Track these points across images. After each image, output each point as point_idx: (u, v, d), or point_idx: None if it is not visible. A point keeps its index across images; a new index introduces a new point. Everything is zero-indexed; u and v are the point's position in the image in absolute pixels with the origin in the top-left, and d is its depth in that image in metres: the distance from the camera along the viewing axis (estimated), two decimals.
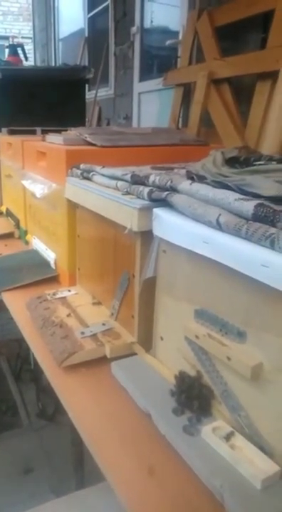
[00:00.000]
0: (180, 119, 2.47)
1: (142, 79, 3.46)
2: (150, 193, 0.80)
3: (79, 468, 2.04)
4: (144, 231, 0.84)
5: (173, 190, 0.76)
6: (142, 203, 0.82)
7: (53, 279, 1.39)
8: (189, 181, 0.73)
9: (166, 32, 3.41)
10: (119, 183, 0.91)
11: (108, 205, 0.93)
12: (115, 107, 3.96)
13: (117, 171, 0.95)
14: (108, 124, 4.00)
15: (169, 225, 0.74)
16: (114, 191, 0.92)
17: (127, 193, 0.88)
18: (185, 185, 0.73)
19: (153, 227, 0.79)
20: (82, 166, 1.11)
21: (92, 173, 1.05)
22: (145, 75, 3.46)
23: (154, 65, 3.54)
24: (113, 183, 0.94)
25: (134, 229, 0.83)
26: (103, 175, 1.00)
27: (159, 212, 0.77)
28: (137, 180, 0.86)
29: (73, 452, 2.71)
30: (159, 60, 3.51)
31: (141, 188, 0.83)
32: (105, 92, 4.06)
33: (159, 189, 0.79)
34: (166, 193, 0.76)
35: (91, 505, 0.82)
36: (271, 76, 1.79)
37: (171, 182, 0.76)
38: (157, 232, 0.78)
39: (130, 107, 3.60)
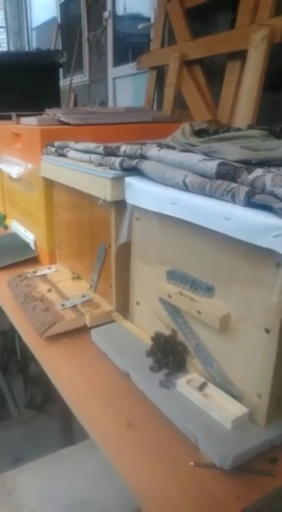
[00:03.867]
0: (155, 102, 2.49)
1: (116, 64, 3.45)
2: (121, 162, 0.83)
3: None
4: (117, 201, 0.87)
5: (143, 157, 0.79)
6: (115, 172, 0.84)
7: (34, 260, 1.41)
8: (158, 148, 0.76)
9: (139, 18, 3.42)
10: (93, 156, 0.94)
11: (82, 179, 0.96)
12: (90, 93, 3.95)
13: (90, 145, 0.97)
14: None
15: (140, 191, 0.77)
16: (88, 164, 0.95)
17: (100, 164, 0.90)
18: (154, 151, 0.76)
19: (126, 195, 0.82)
20: (56, 143, 1.13)
21: (66, 149, 1.07)
22: (120, 60, 3.46)
23: (129, 50, 3.55)
24: (87, 156, 0.96)
25: (107, 199, 0.86)
26: (77, 150, 1.02)
27: (130, 180, 0.80)
28: (109, 152, 0.89)
29: (64, 439, 2.74)
30: (132, 46, 3.51)
31: (113, 159, 0.86)
32: (80, 79, 4.04)
33: (130, 158, 0.82)
34: (136, 160, 0.79)
35: (77, 461, 0.86)
36: (240, 56, 1.82)
37: (141, 150, 0.79)
38: (130, 200, 0.81)
39: (105, 92, 3.60)
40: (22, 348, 3.99)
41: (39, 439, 3.24)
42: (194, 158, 0.66)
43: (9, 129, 1.54)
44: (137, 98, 2.99)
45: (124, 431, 0.70)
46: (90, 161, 0.95)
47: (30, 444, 3.21)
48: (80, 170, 0.96)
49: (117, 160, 0.85)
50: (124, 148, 0.85)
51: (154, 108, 2.49)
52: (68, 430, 2.72)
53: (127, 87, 3.28)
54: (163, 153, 0.73)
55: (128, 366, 0.79)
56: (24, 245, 1.50)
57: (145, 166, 0.76)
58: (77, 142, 1.05)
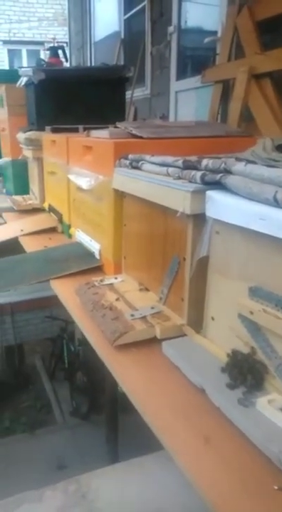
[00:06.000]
0: (219, 115, 2.48)
1: (179, 78, 3.48)
2: (203, 176, 0.83)
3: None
4: (195, 214, 0.87)
5: (227, 172, 0.78)
6: (195, 186, 0.85)
7: (97, 269, 1.44)
8: (243, 162, 0.75)
9: (201, 32, 3.44)
10: (170, 169, 0.95)
11: (159, 191, 0.96)
12: (151, 106, 3.99)
13: (168, 158, 0.98)
14: None
15: (223, 205, 0.77)
16: (165, 177, 0.96)
17: (179, 178, 0.91)
18: (239, 166, 0.75)
19: (206, 209, 0.81)
20: (130, 156, 1.15)
21: (141, 162, 1.08)
22: (182, 74, 3.49)
23: (189, 64, 3.57)
24: (164, 169, 0.97)
25: (186, 212, 0.86)
26: (153, 163, 1.03)
27: (212, 194, 0.80)
28: (189, 165, 0.89)
29: (109, 450, 2.75)
30: (194, 60, 3.53)
31: (193, 172, 0.86)
32: (141, 92, 4.11)
33: (212, 172, 0.82)
34: (220, 175, 0.78)
35: (151, 471, 0.86)
36: None
37: (225, 164, 0.79)
38: (211, 213, 0.80)
39: (166, 106, 3.63)
40: (70, 356, 4.06)
41: (83, 448, 3.25)
42: None
43: (80, 141, 1.58)
44: (200, 111, 2.99)
45: (201, 446, 0.69)
46: (168, 174, 0.96)
47: (74, 452, 3.23)
48: (157, 182, 0.97)
49: (197, 174, 0.85)
50: (206, 162, 0.85)
51: (219, 121, 2.48)
52: (114, 443, 2.72)
53: (189, 101, 3.29)
54: (249, 169, 0.73)
55: (203, 381, 0.78)
56: (88, 254, 1.53)
57: (230, 180, 0.76)
58: (153, 155, 1.06)
